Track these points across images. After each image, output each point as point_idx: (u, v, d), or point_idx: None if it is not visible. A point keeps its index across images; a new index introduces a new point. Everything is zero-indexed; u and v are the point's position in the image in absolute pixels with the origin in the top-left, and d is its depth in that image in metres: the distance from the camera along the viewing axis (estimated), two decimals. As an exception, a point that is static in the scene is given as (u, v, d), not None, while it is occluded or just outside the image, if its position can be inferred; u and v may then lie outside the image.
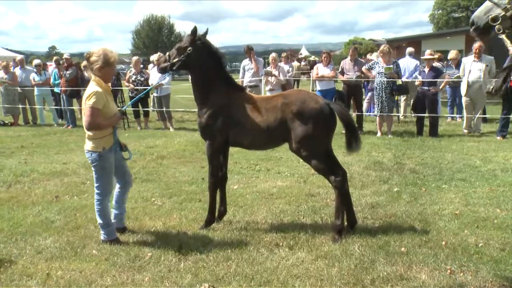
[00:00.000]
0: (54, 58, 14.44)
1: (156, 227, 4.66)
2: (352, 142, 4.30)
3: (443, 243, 4.09)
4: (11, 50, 38.06)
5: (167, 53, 4.57)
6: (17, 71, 13.56)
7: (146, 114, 12.27)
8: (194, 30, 4.42)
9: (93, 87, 4.03)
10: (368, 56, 15.86)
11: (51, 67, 14.14)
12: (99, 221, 4.23)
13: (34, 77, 13.08)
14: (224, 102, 4.41)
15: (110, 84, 4.36)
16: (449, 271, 3.57)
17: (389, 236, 4.23)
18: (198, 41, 4.42)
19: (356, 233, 4.32)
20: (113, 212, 4.44)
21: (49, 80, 13.27)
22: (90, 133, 4.08)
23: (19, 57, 17.57)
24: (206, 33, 4.52)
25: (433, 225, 4.57)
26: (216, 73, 4.46)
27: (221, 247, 4.09)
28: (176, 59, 4.45)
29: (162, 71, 4.64)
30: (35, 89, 13.16)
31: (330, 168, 4.29)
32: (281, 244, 4.13)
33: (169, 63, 4.50)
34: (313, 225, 4.65)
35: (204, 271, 3.65)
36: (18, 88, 13.08)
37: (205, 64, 4.43)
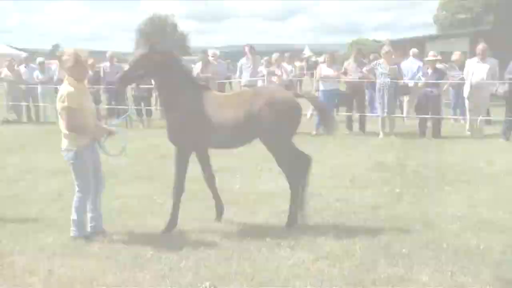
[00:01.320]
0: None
1: (157, 225, 4.67)
2: (326, 124, 4.74)
3: (445, 245, 4.09)
4: (15, 48, 38.11)
5: (126, 68, 4.54)
6: (22, 68, 13.59)
7: (149, 113, 12.28)
8: (150, 45, 4.37)
9: (65, 87, 4.09)
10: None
11: (55, 65, 14.14)
12: (73, 216, 4.27)
13: (37, 74, 13.11)
14: (193, 104, 4.40)
15: (86, 82, 4.42)
16: (450, 273, 3.56)
17: (390, 237, 4.23)
18: (154, 52, 4.34)
19: (358, 234, 4.32)
20: (89, 215, 4.43)
21: (53, 77, 13.29)
22: (65, 131, 4.12)
23: (23, 54, 17.59)
24: (158, 42, 4.56)
25: (435, 227, 4.56)
26: (180, 77, 4.45)
27: (222, 246, 4.10)
28: (135, 74, 4.41)
29: (121, 86, 4.72)
30: (39, 86, 13.19)
31: (292, 162, 4.40)
32: (282, 244, 4.13)
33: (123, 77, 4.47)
34: (314, 225, 4.64)
35: (205, 270, 3.65)
36: (22, 86, 13.11)
37: (166, 71, 4.38)
